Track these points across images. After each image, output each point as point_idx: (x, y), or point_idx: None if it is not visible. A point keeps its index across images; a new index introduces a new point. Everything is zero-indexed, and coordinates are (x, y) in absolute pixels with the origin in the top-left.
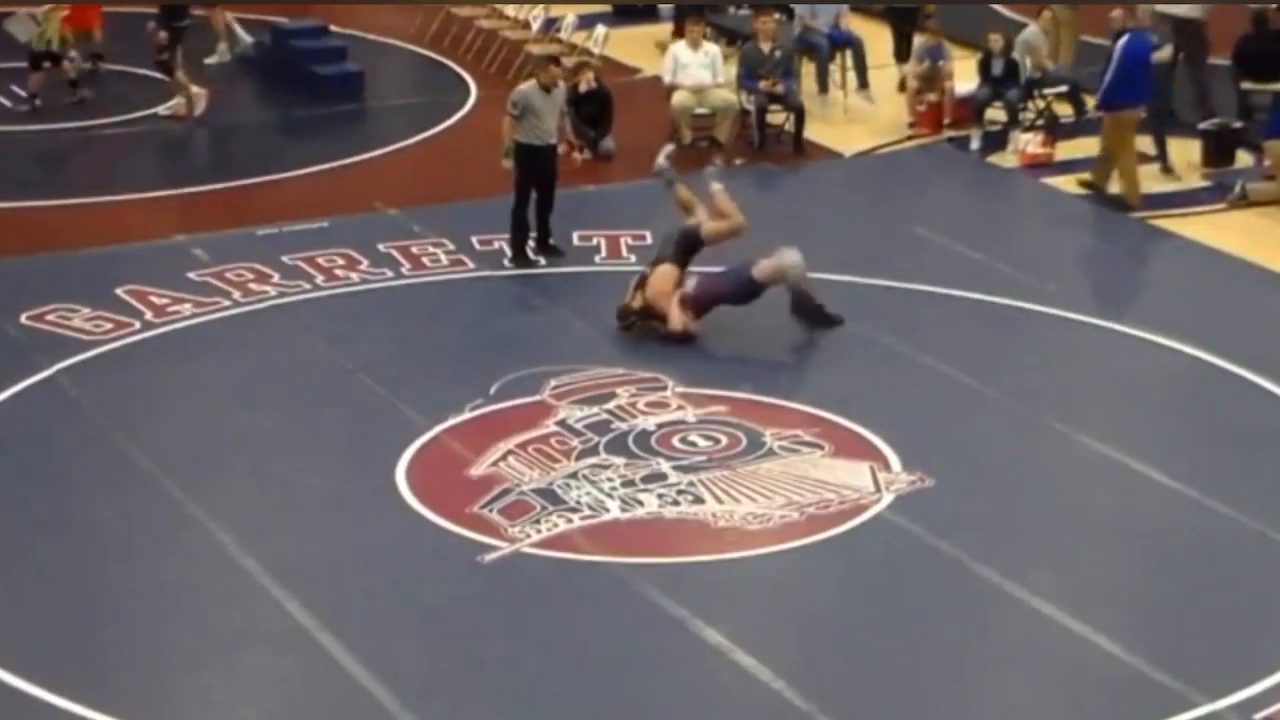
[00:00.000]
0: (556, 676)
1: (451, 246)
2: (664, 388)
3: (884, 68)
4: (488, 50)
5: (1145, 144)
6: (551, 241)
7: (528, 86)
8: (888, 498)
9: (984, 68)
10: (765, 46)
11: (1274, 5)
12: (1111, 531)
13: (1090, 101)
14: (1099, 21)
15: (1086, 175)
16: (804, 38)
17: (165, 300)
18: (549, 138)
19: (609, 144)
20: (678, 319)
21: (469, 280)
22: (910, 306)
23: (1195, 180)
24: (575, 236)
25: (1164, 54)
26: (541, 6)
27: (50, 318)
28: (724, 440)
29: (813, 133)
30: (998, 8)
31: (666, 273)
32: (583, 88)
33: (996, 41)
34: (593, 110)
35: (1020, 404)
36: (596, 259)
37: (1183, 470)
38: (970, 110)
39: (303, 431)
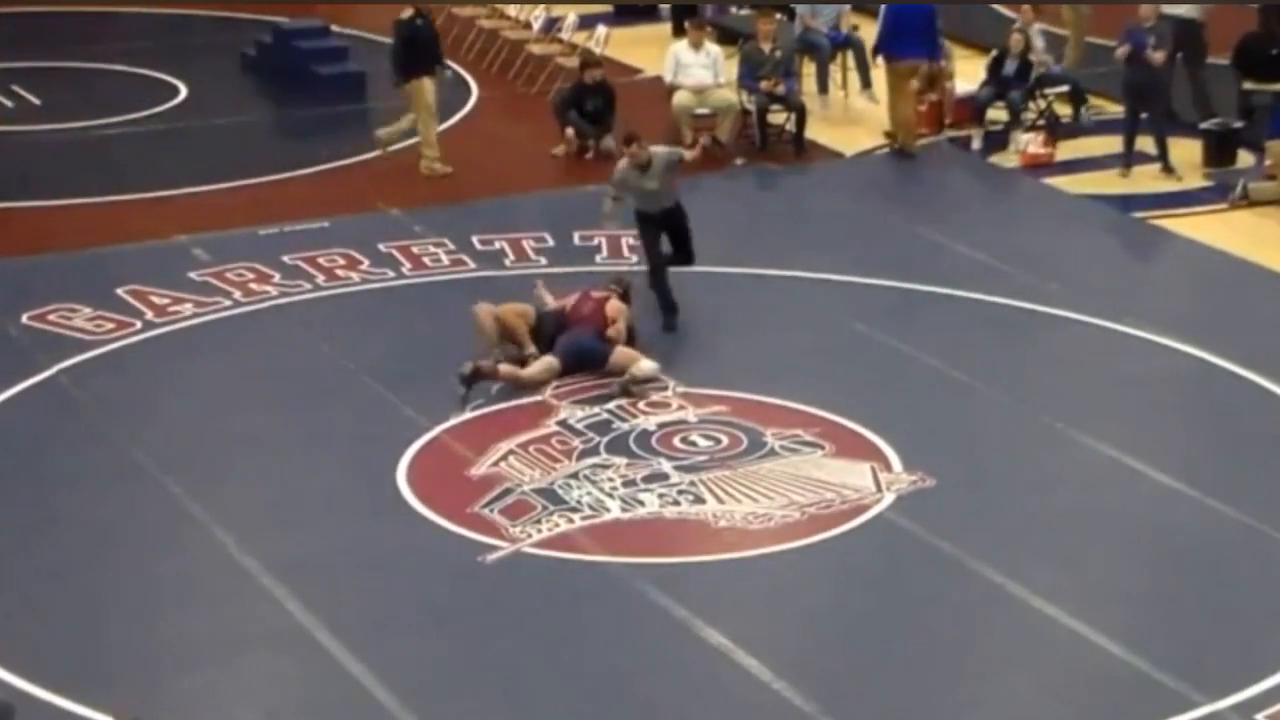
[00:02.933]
0: (557, 676)
1: (452, 246)
2: (665, 388)
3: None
4: (489, 50)
5: (1146, 144)
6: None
7: (624, 166)
8: (888, 497)
9: (994, 66)
10: (766, 47)
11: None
12: (1111, 531)
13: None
14: (1108, 23)
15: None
16: (805, 38)
17: (166, 300)
18: (664, 202)
19: (610, 143)
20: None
21: (470, 280)
22: (911, 306)
23: (1196, 180)
24: (576, 236)
25: (1158, 56)
26: (543, 7)
27: (51, 318)
28: (725, 440)
29: (814, 133)
30: (998, 8)
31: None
32: (589, 80)
33: (1018, 42)
34: (599, 105)
35: (1020, 404)
36: (598, 259)
37: (1183, 470)
38: (971, 110)
39: (303, 431)
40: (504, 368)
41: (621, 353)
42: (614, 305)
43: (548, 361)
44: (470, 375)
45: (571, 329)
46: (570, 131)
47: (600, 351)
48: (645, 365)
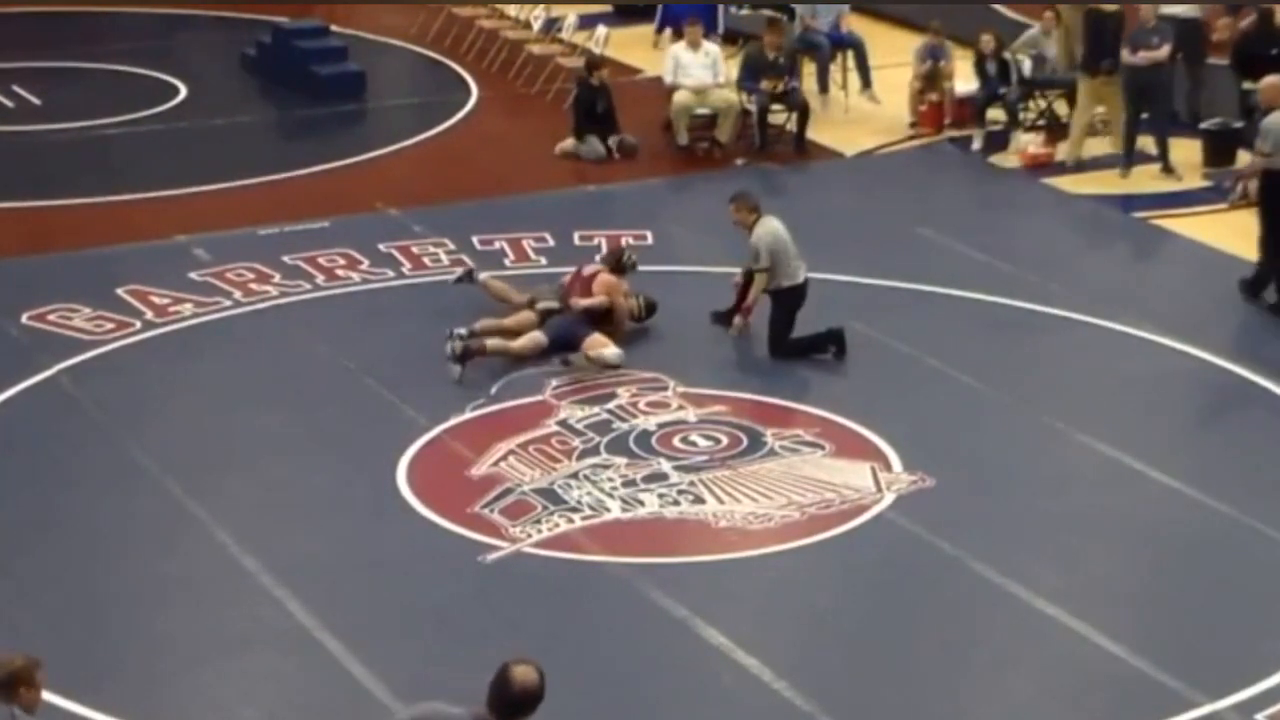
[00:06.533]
0: (557, 676)
1: (452, 246)
2: (665, 388)
3: (885, 68)
4: (489, 50)
5: (1147, 143)
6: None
7: (776, 226)
8: (889, 498)
9: (979, 69)
10: (770, 54)
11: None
12: (1111, 531)
13: None
14: None
15: None
16: (805, 38)
17: (166, 300)
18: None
19: (631, 139)
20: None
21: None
22: (911, 306)
23: (1195, 180)
24: (576, 236)
25: (1160, 54)
26: (543, 6)
27: (52, 317)
28: (725, 440)
29: (814, 133)
30: (998, 8)
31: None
32: (596, 82)
33: (988, 43)
34: (606, 107)
35: (1021, 404)
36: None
37: (1182, 470)
38: (971, 110)
39: (304, 431)
40: (491, 342)
41: (594, 339)
42: (601, 280)
43: (535, 337)
44: (461, 355)
45: (566, 310)
46: (599, 144)
47: (577, 334)
48: (608, 353)
